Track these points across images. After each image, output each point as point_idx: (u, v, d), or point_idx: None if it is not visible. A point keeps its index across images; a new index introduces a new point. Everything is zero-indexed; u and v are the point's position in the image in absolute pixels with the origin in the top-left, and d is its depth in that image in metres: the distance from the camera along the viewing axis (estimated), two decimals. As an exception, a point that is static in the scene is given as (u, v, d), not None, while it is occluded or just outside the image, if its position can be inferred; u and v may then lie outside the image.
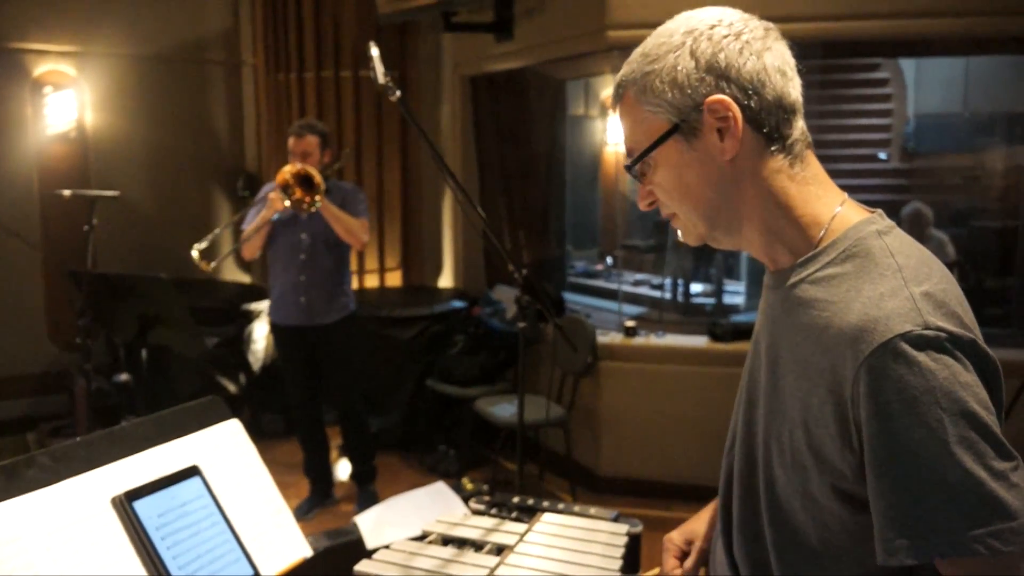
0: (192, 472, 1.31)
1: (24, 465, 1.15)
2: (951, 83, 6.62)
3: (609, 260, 6.34)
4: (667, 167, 1.10)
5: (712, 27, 1.06)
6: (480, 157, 5.74)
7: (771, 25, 1.10)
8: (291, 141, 4.05)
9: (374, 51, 2.10)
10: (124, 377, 4.82)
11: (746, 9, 1.12)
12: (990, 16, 3.99)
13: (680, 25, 1.09)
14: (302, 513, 4.27)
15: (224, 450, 1.40)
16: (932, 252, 1.08)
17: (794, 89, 1.08)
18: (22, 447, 5.19)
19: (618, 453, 4.55)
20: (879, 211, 1.11)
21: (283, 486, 1.46)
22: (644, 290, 5.82)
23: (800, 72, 1.11)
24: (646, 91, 1.08)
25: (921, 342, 0.93)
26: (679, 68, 1.05)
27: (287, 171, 3.88)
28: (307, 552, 1.40)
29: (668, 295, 5.53)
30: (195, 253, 3.80)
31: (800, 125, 1.09)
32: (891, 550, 0.95)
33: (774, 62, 1.07)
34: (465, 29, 5.19)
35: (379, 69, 2.06)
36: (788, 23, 4.52)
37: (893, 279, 0.99)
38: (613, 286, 5.79)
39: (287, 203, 3.88)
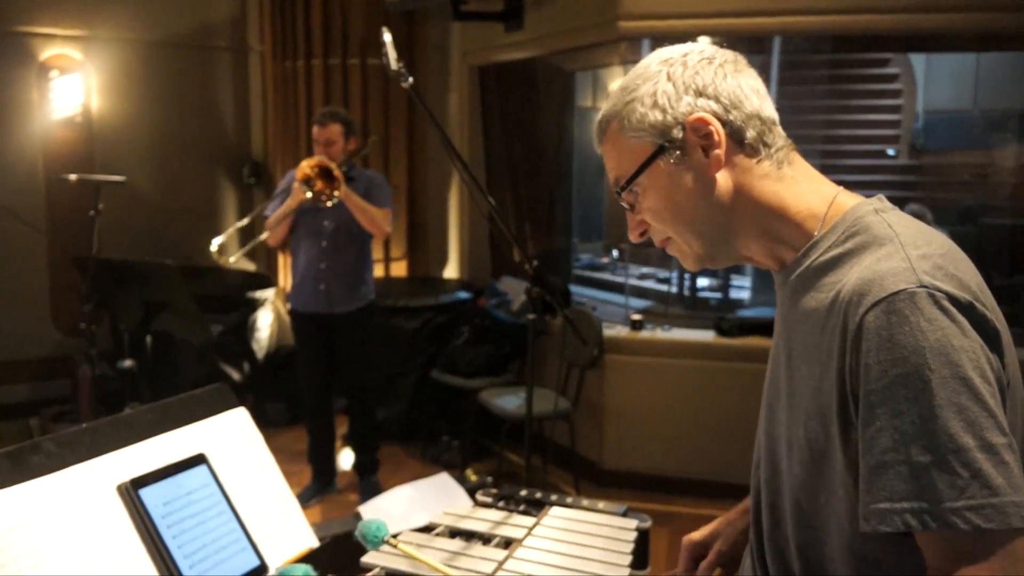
0: (199, 460, 1.30)
1: (29, 451, 1.13)
2: (961, 79, 6.58)
3: (615, 253, 6.31)
4: (656, 190, 1.12)
5: (685, 55, 1.12)
6: (487, 148, 5.71)
7: (739, 55, 1.14)
8: (315, 130, 4.05)
9: (387, 36, 2.07)
10: (128, 363, 4.80)
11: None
12: (1001, 12, 3.97)
13: (654, 58, 1.14)
14: (303, 501, 4.27)
15: (231, 438, 1.38)
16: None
17: (769, 107, 1.12)
18: (25, 432, 5.20)
19: (622, 447, 4.53)
20: (879, 196, 1.11)
21: (286, 475, 1.44)
22: (650, 283, 5.79)
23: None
24: (629, 119, 1.11)
25: (914, 300, 0.90)
26: (659, 92, 1.10)
27: (306, 165, 3.91)
28: (313, 543, 1.39)
29: (674, 289, 5.51)
30: (214, 248, 3.86)
31: (781, 134, 1.13)
32: (867, 515, 0.91)
33: (748, 82, 1.11)
34: (474, 18, 5.15)
35: (392, 55, 2.04)
36: (799, 16, 4.51)
37: (890, 245, 0.99)
38: (619, 279, 5.77)
39: (308, 195, 3.91)
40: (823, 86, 6.13)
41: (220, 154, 6.25)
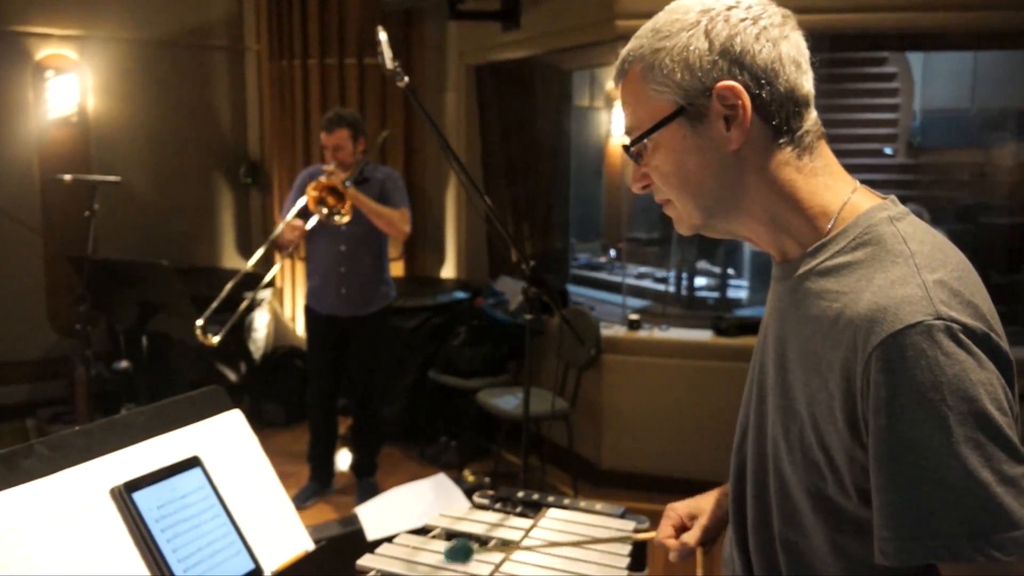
0: (193, 463, 1.29)
1: (22, 454, 1.12)
2: (959, 78, 6.57)
3: (612, 252, 6.30)
4: (667, 151, 1.06)
5: (730, 8, 1.03)
6: (484, 147, 5.70)
7: (789, 13, 1.07)
8: (322, 136, 4.05)
9: (382, 35, 2.06)
10: (124, 364, 4.80)
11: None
12: (999, 10, 3.96)
13: (696, 3, 1.05)
14: (300, 501, 4.26)
15: (225, 441, 1.37)
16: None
17: (807, 81, 1.06)
18: (21, 433, 5.18)
19: (620, 447, 4.53)
20: (892, 197, 1.07)
21: (282, 476, 1.43)
22: (647, 283, 5.78)
23: (812, 65, 1.08)
24: (654, 68, 1.04)
25: (932, 333, 0.88)
26: (691, 48, 1.02)
27: (312, 190, 3.91)
28: (309, 545, 1.38)
29: (672, 288, 5.50)
30: (199, 327, 3.84)
31: (812, 116, 1.06)
32: (885, 550, 0.91)
33: (789, 52, 1.03)
34: (471, 17, 5.14)
35: (387, 54, 2.03)
36: (796, 15, 4.52)
37: (905, 266, 0.95)
38: (616, 279, 5.76)
39: (324, 211, 3.92)
40: (820, 85, 6.13)
41: (217, 154, 6.24)
